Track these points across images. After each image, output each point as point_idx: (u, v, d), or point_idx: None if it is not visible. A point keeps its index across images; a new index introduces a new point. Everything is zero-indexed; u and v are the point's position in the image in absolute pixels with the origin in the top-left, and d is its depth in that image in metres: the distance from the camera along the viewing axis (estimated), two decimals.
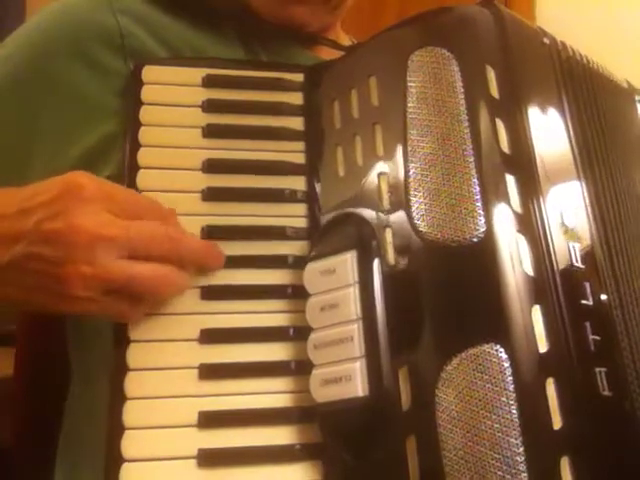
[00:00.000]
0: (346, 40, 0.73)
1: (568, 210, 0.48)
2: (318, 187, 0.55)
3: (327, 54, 0.65)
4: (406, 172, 0.48)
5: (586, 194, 0.50)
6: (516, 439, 0.41)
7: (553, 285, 0.45)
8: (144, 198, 0.51)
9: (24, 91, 0.58)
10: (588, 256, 0.47)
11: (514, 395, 0.42)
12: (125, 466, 0.47)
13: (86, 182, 0.46)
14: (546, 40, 0.54)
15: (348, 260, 0.49)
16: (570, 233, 0.47)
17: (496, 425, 0.41)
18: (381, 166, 0.50)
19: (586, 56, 0.57)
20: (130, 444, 0.47)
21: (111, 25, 0.58)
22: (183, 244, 0.49)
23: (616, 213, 0.52)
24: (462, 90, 0.48)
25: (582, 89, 0.55)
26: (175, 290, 0.49)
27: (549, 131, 0.50)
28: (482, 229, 0.45)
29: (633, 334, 0.48)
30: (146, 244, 0.46)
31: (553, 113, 0.51)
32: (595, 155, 0.53)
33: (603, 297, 0.47)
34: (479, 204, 0.46)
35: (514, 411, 0.41)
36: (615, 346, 0.46)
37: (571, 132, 0.52)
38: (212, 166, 0.55)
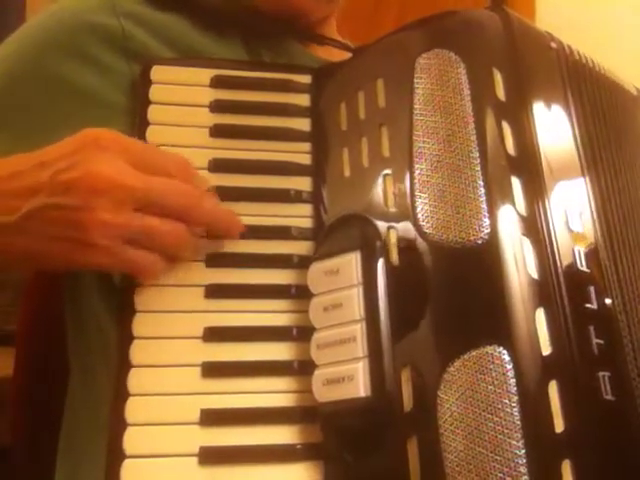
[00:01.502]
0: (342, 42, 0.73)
1: (573, 213, 0.48)
2: (324, 188, 0.55)
3: (328, 54, 0.65)
4: (412, 173, 0.49)
5: (591, 197, 0.50)
6: (518, 442, 0.41)
7: (557, 288, 0.45)
8: (166, 154, 0.50)
9: (24, 90, 0.58)
10: (593, 259, 0.47)
11: (516, 398, 0.41)
12: (126, 462, 0.47)
13: (103, 134, 0.46)
14: (553, 44, 0.54)
15: (352, 261, 0.49)
16: (575, 236, 0.47)
17: (498, 427, 0.41)
18: (387, 167, 0.50)
19: (593, 60, 0.57)
20: (132, 440, 0.47)
21: (114, 27, 0.58)
22: (202, 204, 0.48)
23: (621, 217, 0.52)
24: (469, 92, 0.48)
25: (589, 93, 0.55)
26: (191, 251, 0.49)
27: (555, 134, 0.50)
28: (487, 231, 0.45)
29: (637, 338, 0.48)
30: (166, 199, 0.46)
31: (559, 116, 0.51)
32: (601, 159, 0.53)
33: (607, 301, 0.47)
34: (484, 206, 0.46)
35: (516, 414, 0.41)
36: (619, 350, 0.46)
37: (577, 135, 0.52)
38: (218, 166, 0.55)
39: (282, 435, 0.49)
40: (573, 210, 0.48)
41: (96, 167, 0.45)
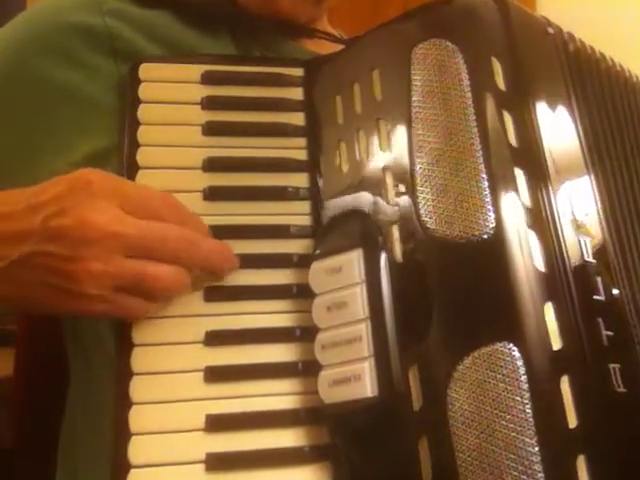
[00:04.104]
0: (334, 34, 0.72)
1: (578, 204, 0.47)
2: (321, 184, 0.54)
3: (320, 47, 0.64)
4: (412, 168, 0.48)
5: (596, 187, 0.49)
6: (531, 439, 0.40)
7: (565, 281, 0.44)
8: (157, 195, 0.48)
9: (8, 95, 0.57)
10: (600, 250, 0.47)
11: (528, 394, 0.41)
12: (132, 472, 0.46)
13: (95, 178, 0.45)
14: (551, 30, 0.53)
15: (354, 258, 0.48)
16: (581, 227, 0.47)
17: (510, 425, 0.41)
18: (386, 162, 0.49)
19: (599, 51, 0.56)
20: (137, 450, 0.47)
21: (99, 27, 0.56)
22: (197, 248, 0.47)
23: (628, 206, 0.51)
24: (468, 83, 0.47)
25: (591, 81, 0.54)
26: (186, 291, 0.48)
27: (557, 123, 0.49)
28: (492, 225, 0.44)
29: None
30: (159, 245, 0.45)
31: (561, 104, 0.51)
32: (606, 148, 0.52)
33: (615, 292, 0.46)
34: (488, 199, 0.45)
35: (528, 410, 0.41)
36: (629, 341, 0.46)
37: (579, 123, 0.51)
38: (213, 165, 0.54)
39: (289, 438, 0.48)
40: (578, 200, 0.48)
41: (87, 215, 0.43)
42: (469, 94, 0.47)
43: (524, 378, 0.41)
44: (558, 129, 0.49)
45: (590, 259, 0.46)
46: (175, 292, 0.47)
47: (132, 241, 0.44)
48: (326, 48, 0.62)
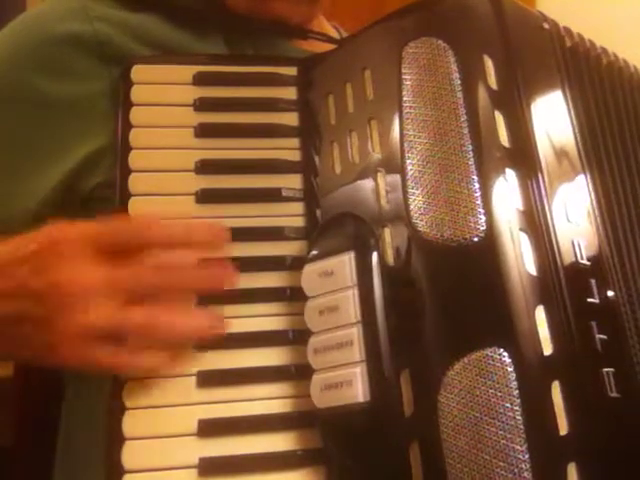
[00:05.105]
0: (331, 31, 0.71)
1: (573, 205, 0.46)
2: (315, 185, 0.53)
3: (313, 46, 0.63)
4: (403, 169, 0.47)
5: (592, 188, 0.48)
6: (521, 446, 0.40)
7: (557, 284, 0.43)
8: (132, 228, 0.47)
9: (4, 112, 0.57)
10: (594, 252, 0.46)
11: (518, 400, 0.40)
12: (126, 477, 0.46)
13: (62, 235, 0.45)
14: (546, 25, 0.52)
15: (346, 261, 0.48)
16: (575, 229, 0.46)
17: (500, 432, 0.40)
18: (378, 163, 0.49)
19: (600, 46, 0.55)
20: (131, 455, 0.47)
21: (87, 33, 0.56)
22: (174, 273, 0.47)
23: (625, 207, 0.50)
24: (459, 82, 0.47)
25: (590, 77, 0.52)
26: (174, 333, 0.47)
27: (552, 122, 0.48)
28: (482, 228, 0.44)
29: None
30: (133, 286, 0.45)
31: (556, 102, 0.49)
32: (605, 147, 0.50)
33: (610, 294, 0.45)
34: (479, 201, 0.44)
35: (518, 417, 0.40)
36: (623, 344, 0.45)
37: (575, 122, 0.50)
38: (206, 167, 0.53)
39: (282, 442, 0.48)
40: (573, 201, 0.47)
41: (58, 277, 0.44)
42: (460, 93, 0.46)
43: (514, 384, 0.41)
44: (552, 128, 0.48)
45: (584, 261, 0.45)
46: (160, 335, 0.46)
47: (104, 292, 0.44)
48: (321, 46, 0.61)
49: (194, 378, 0.48)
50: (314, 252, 0.50)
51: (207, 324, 0.47)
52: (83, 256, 0.45)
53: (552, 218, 0.45)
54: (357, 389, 0.45)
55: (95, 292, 0.44)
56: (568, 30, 0.53)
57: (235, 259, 0.51)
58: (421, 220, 0.45)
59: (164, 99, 0.55)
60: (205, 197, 0.53)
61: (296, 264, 0.51)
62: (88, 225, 0.47)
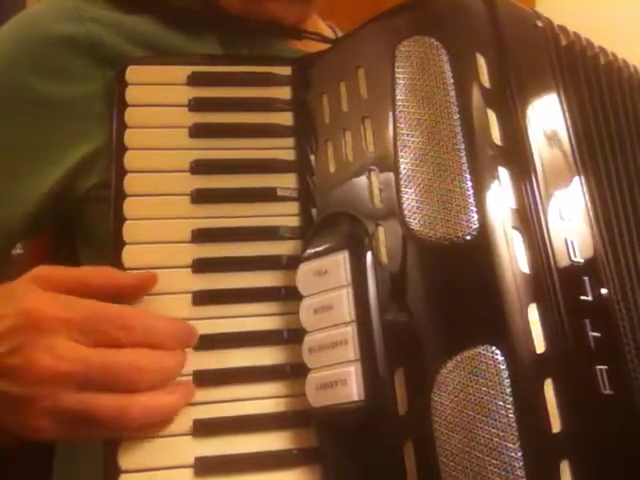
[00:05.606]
0: (326, 31, 0.71)
1: (566, 203, 0.46)
2: (310, 184, 0.53)
3: (307, 46, 0.63)
4: (397, 168, 0.47)
5: (586, 186, 0.48)
6: (514, 444, 0.40)
7: (550, 282, 0.43)
8: (103, 308, 0.46)
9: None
10: (588, 250, 0.46)
11: (511, 399, 0.40)
12: (122, 477, 0.46)
13: (43, 309, 0.44)
14: (540, 23, 0.51)
15: (340, 260, 0.48)
16: (568, 227, 0.45)
17: (493, 430, 0.40)
18: (372, 162, 0.49)
19: (598, 45, 0.54)
20: (127, 455, 0.47)
21: (81, 35, 0.56)
22: (148, 375, 0.45)
23: (620, 205, 0.50)
24: (451, 81, 0.46)
25: (586, 76, 0.52)
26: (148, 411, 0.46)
27: (545, 120, 0.48)
28: (475, 226, 0.44)
29: (638, 327, 0.47)
30: (108, 377, 0.44)
31: (549, 101, 0.49)
32: (600, 145, 0.50)
33: (603, 291, 0.45)
34: (471, 200, 0.44)
35: (511, 415, 0.40)
36: (617, 342, 0.45)
37: (568, 120, 0.49)
38: (200, 167, 0.53)
39: (278, 441, 0.48)
40: (566, 199, 0.46)
41: (35, 355, 0.43)
42: (452, 92, 0.46)
43: (507, 382, 0.41)
44: (546, 126, 0.48)
45: (577, 259, 0.45)
46: (129, 419, 0.46)
47: (79, 376, 0.44)
48: (316, 46, 0.61)
49: (190, 378, 0.49)
50: (309, 251, 0.50)
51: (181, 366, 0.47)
52: (62, 335, 0.44)
53: (545, 216, 0.45)
54: (352, 388, 0.45)
55: (68, 376, 0.43)
56: (563, 28, 0.53)
57: (230, 259, 0.52)
58: (414, 218, 0.45)
59: (159, 100, 0.55)
60: (200, 197, 0.53)
61: (291, 263, 0.51)
62: (71, 300, 0.45)
